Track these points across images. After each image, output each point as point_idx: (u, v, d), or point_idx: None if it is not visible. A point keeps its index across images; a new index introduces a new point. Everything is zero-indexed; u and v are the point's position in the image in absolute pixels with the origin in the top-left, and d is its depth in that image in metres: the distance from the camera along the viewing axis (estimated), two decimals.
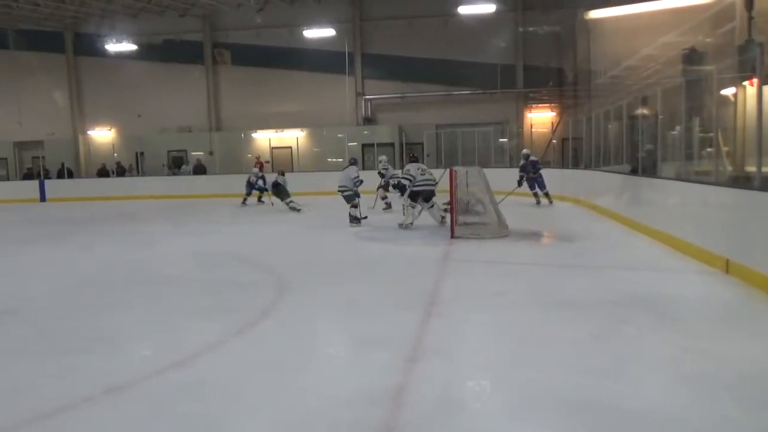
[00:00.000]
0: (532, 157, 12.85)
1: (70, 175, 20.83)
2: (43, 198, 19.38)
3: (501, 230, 8.63)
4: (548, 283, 5.83)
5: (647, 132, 9.28)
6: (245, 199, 14.87)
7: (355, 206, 10.37)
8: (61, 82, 22.52)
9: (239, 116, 21.64)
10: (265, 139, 21.07)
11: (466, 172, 9.09)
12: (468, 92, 20.24)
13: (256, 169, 15.42)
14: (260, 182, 14.49)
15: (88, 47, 21.83)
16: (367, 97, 21.00)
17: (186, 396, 3.28)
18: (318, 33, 19.44)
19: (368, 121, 21.14)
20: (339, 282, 6.08)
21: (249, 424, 2.99)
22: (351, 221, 10.31)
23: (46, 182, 19.88)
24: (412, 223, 9.53)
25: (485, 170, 9.56)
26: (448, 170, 8.98)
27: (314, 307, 5.14)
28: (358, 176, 10.50)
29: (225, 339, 4.25)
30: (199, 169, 20.02)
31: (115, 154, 21.39)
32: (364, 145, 20.42)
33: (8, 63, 22.11)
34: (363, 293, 5.57)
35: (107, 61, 21.34)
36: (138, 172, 21.06)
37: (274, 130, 21.04)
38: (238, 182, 15.15)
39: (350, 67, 20.58)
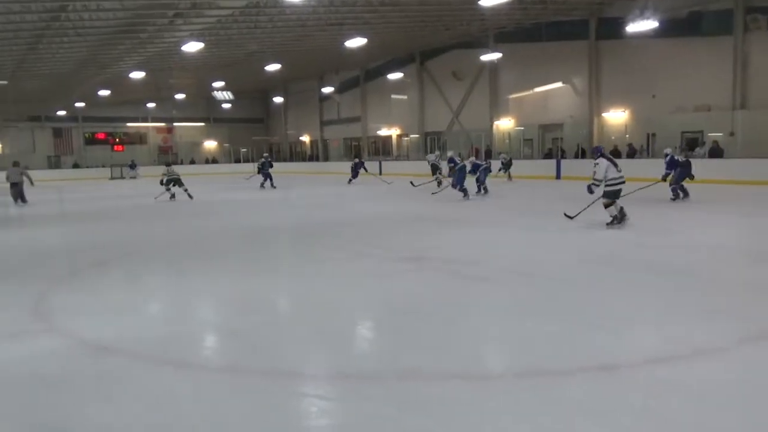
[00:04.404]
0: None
1: (584, 156, 22.36)
2: (558, 176, 21.43)
3: None
4: None
5: None
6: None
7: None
8: (581, 68, 24.14)
9: None
10: None
11: None
12: None
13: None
14: None
15: (609, 31, 22.61)
16: None
17: (672, 395, 3.21)
18: None
19: None
20: None
21: None
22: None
23: (562, 162, 21.90)
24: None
25: None
26: None
27: None
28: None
29: (725, 346, 3.91)
30: (715, 152, 18.39)
31: (627, 136, 21.74)
32: None
33: (539, 54, 25.01)
34: None
35: (626, 43, 21.63)
36: (648, 154, 20.87)
37: None
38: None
39: None
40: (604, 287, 5.58)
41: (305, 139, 43.67)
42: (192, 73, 32.53)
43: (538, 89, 25.51)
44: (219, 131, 46.71)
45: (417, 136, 32.53)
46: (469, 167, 14.95)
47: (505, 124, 27.73)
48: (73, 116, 41.31)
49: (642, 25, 19.81)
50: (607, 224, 8.96)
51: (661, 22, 19.70)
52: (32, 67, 26.41)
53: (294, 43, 25.54)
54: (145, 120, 44.69)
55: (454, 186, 14.57)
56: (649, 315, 4.70)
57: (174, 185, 17.08)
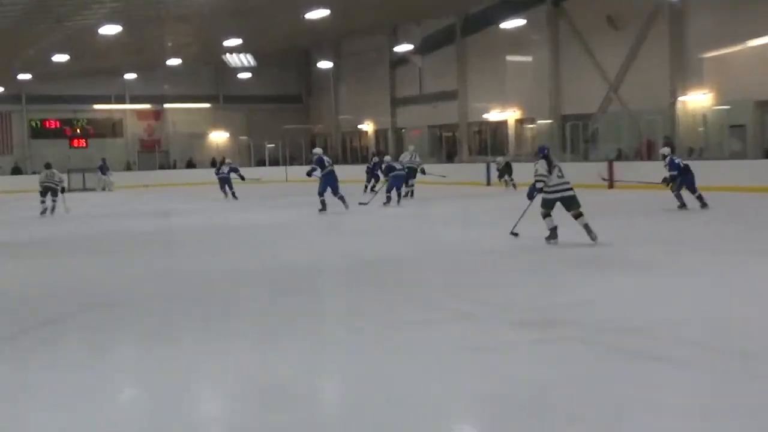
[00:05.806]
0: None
1: None
2: None
3: None
4: None
5: None
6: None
7: None
8: None
9: None
10: None
11: None
12: None
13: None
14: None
15: None
16: None
17: None
18: None
19: None
20: None
21: None
22: None
23: None
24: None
25: None
26: None
27: None
28: None
29: None
30: None
31: None
32: None
33: None
34: None
35: None
36: None
37: None
38: None
39: None
40: None
41: (367, 127, 44.10)
42: (193, 25, 33.52)
43: (753, 42, 24.90)
44: (233, 116, 47.56)
45: (549, 121, 32.35)
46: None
47: (696, 99, 27.12)
48: (15, 95, 43.39)
49: None
50: (546, 238, 11.71)
51: None
52: None
53: None
54: (120, 100, 46.42)
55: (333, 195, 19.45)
56: None
57: (49, 195, 19.20)
